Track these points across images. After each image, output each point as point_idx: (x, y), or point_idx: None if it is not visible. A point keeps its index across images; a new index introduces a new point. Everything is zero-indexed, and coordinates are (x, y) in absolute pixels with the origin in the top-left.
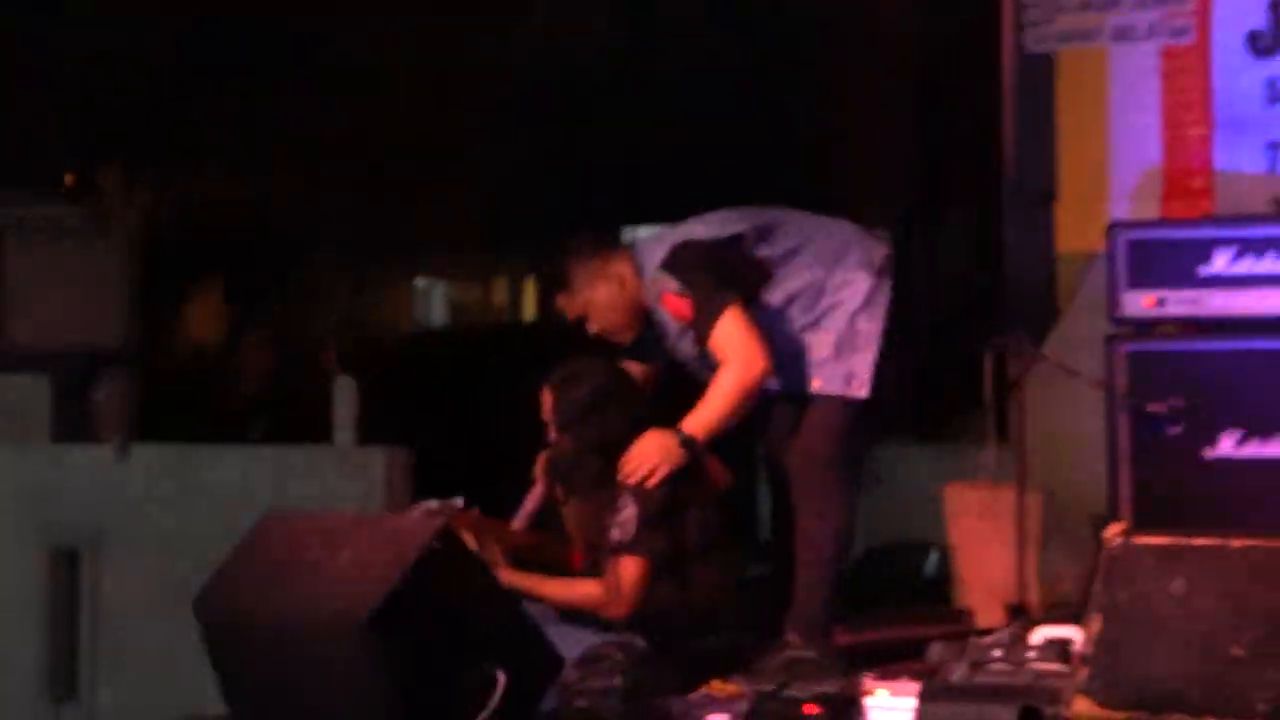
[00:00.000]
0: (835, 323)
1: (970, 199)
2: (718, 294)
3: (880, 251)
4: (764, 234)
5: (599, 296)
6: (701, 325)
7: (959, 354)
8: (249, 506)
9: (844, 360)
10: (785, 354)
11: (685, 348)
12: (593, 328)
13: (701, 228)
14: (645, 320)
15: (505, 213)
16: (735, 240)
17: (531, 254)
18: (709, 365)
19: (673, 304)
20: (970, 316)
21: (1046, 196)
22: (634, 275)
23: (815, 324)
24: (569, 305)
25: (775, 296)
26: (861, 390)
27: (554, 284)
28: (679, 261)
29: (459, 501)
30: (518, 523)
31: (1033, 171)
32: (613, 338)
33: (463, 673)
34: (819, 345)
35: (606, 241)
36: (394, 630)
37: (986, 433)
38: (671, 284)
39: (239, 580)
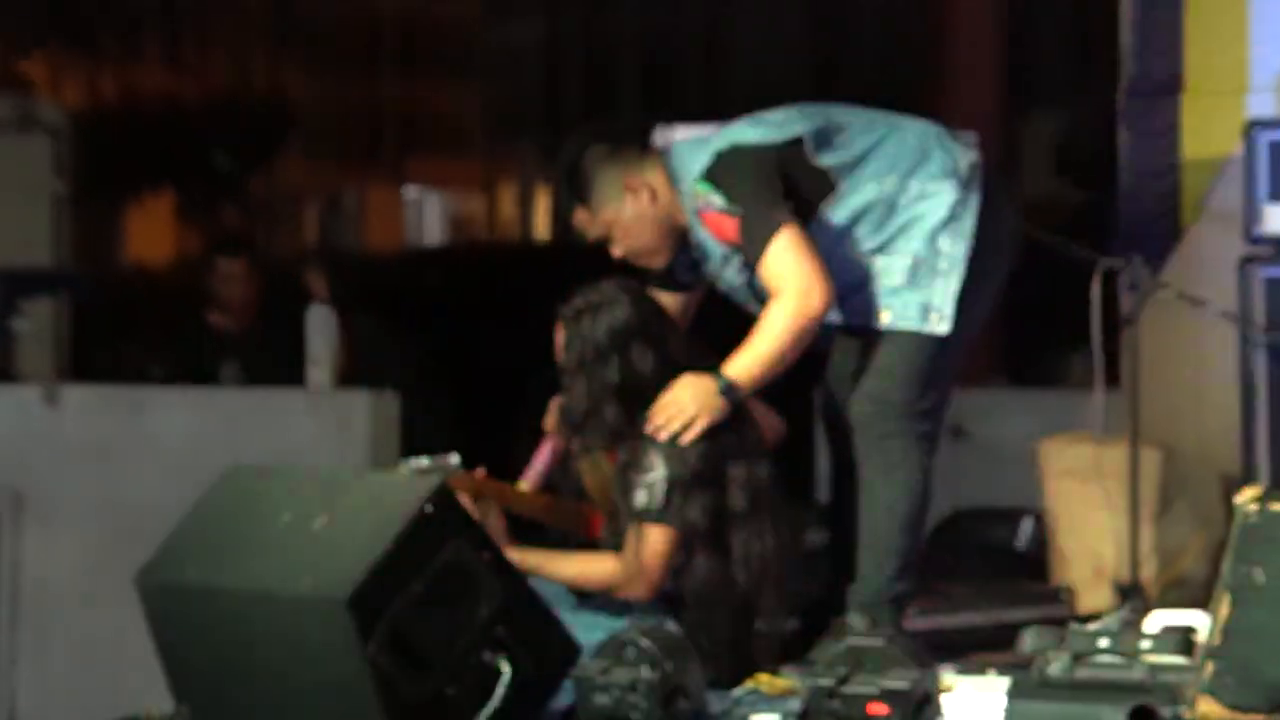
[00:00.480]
0: (911, 244)
1: (1076, 95)
2: (770, 211)
3: (967, 158)
4: (827, 137)
5: (624, 213)
6: (750, 249)
7: (1061, 282)
8: (204, 462)
9: (920, 289)
10: (850, 282)
11: (730, 275)
12: (617, 251)
13: (752, 130)
14: (681, 241)
15: (513, 107)
16: (793, 145)
17: (544, 157)
18: (758, 296)
19: (715, 223)
20: (1075, 237)
21: (1169, 89)
22: (667, 187)
23: (887, 245)
24: (588, 223)
25: (839, 213)
26: (941, 325)
27: (571, 196)
28: (724, 171)
29: (454, 459)
30: (527, 483)
31: (1153, 60)
32: (642, 262)
33: (460, 662)
34: (891, 271)
35: (634, 144)
36: (378, 611)
37: (1092, 377)
38: (714, 199)
39: (192, 550)
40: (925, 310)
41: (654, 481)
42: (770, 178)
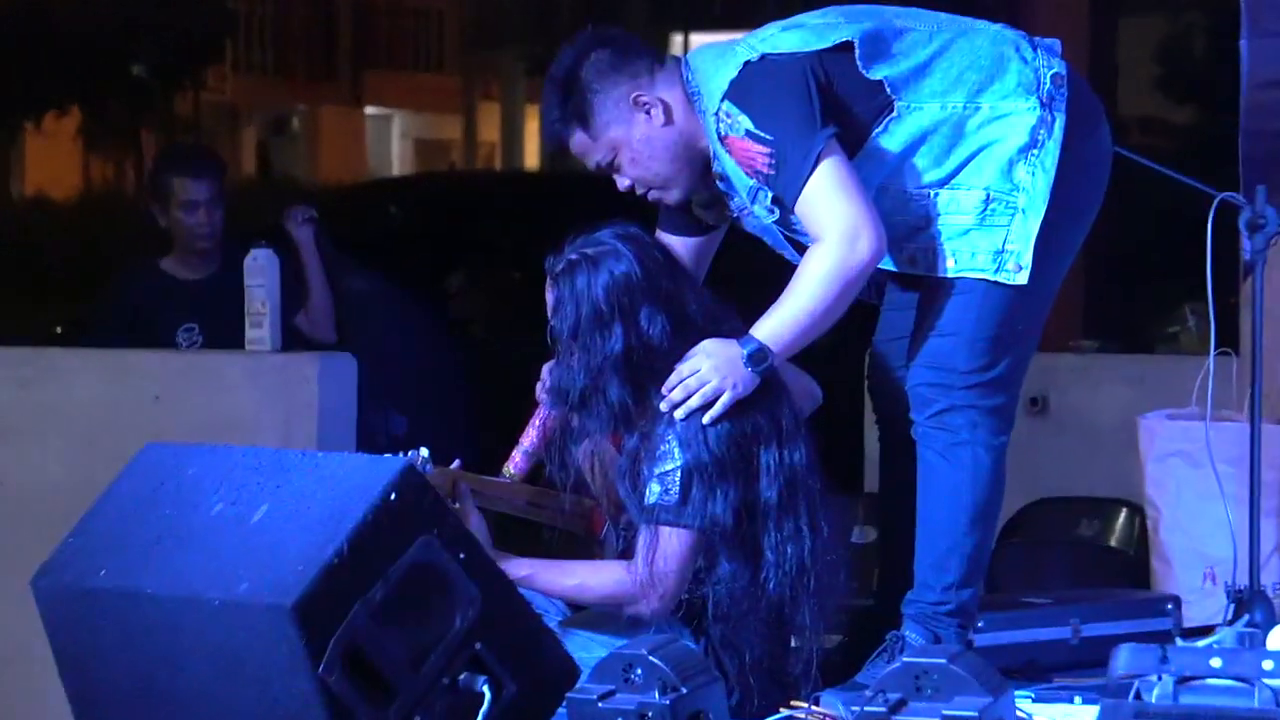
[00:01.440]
0: (982, 176)
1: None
2: (808, 138)
3: (1051, 69)
4: (880, 44)
5: (633, 135)
6: (784, 184)
7: (1164, 221)
8: (118, 439)
9: (993, 230)
10: (908, 222)
11: (759, 213)
12: (624, 181)
13: (786, 35)
14: (701, 170)
15: (494, 9)
16: (837, 53)
17: (532, 69)
18: (794, 239)
19: (742, 151)
20: (1182, 164)
21: None
22: (685, 104)
23: (953, 178)
24: (588, 148)
25: (894, 139)
26: (1019, 275)
27: (568, 115)
28: (752, 87)
29: (423, 453)
30: (514, 464)
31: None
32: (654, 195)
33: (430, 684)
34: (958, 208)
35: (644, 52)
36: (331, 621)
37: (1204, 340)
38: (740, 121)
39: (102, 546)
40: (999, 257)
41: (670, 472)
42: (809, 95)
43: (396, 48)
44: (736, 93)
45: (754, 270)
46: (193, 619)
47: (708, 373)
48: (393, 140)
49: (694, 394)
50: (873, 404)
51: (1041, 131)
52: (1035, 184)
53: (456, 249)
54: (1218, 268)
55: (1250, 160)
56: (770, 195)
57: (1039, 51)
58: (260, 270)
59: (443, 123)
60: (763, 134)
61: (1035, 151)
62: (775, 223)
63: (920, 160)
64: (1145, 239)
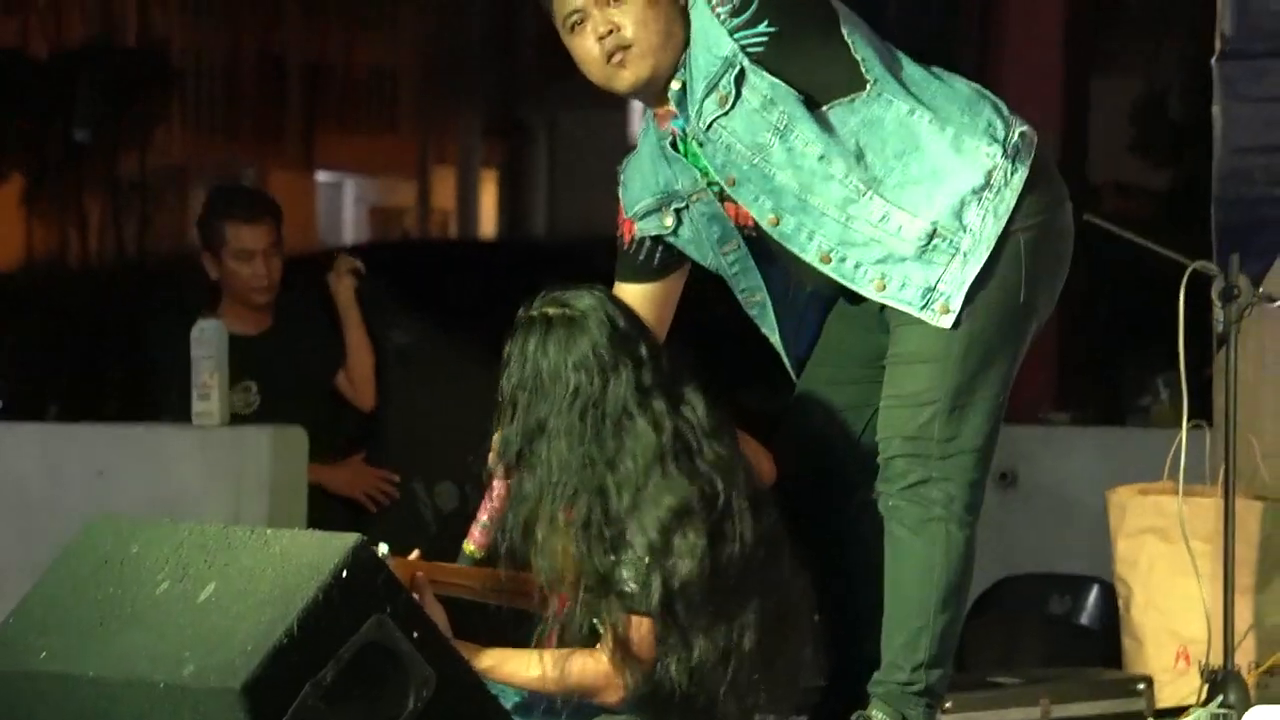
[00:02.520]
0: (931, 205)
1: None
2: None
3: (1020, 128)
4: (861, 33)
5: (657, 13)
6: None
7: (1136, 290)
8: (61, 513)
9: (930, 265)
10: (837, 215)
11: (709, 111)
12: (603, 22)
13: None
14: (665, 79)
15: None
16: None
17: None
18: (748, 239)
19: None
20: (1154, 232)
21: (1276, 50)
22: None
23: (900, 192)
24: (601, 11)
25: (855, 117)
26: (945, 318)
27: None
28: None
29: (383, 549)
30: (473, 538)
31: (1259, 12)
32: (617, 56)
33: None
34: (900, 233)
35: None
36: (280, 703)
37: (1177, 412)
38: None
39: (44, 625)
40: (928, 294)
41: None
42: None
43: (348, 107)
44: None
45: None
46: (137, 703)
47: None
48: (345, 205)
49: None
50: (793, 481)
51: (998, 176)
52: (983, 229)
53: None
54: (1191, 338)
55: (1224, 228)
56: (738, 69)
57: (1014, 115)
58: (207, 342)
59: (397, 186)
60: None
61: (989, 194)
62: (725, 114)
63: (876, 154)
64: (1117, 308)
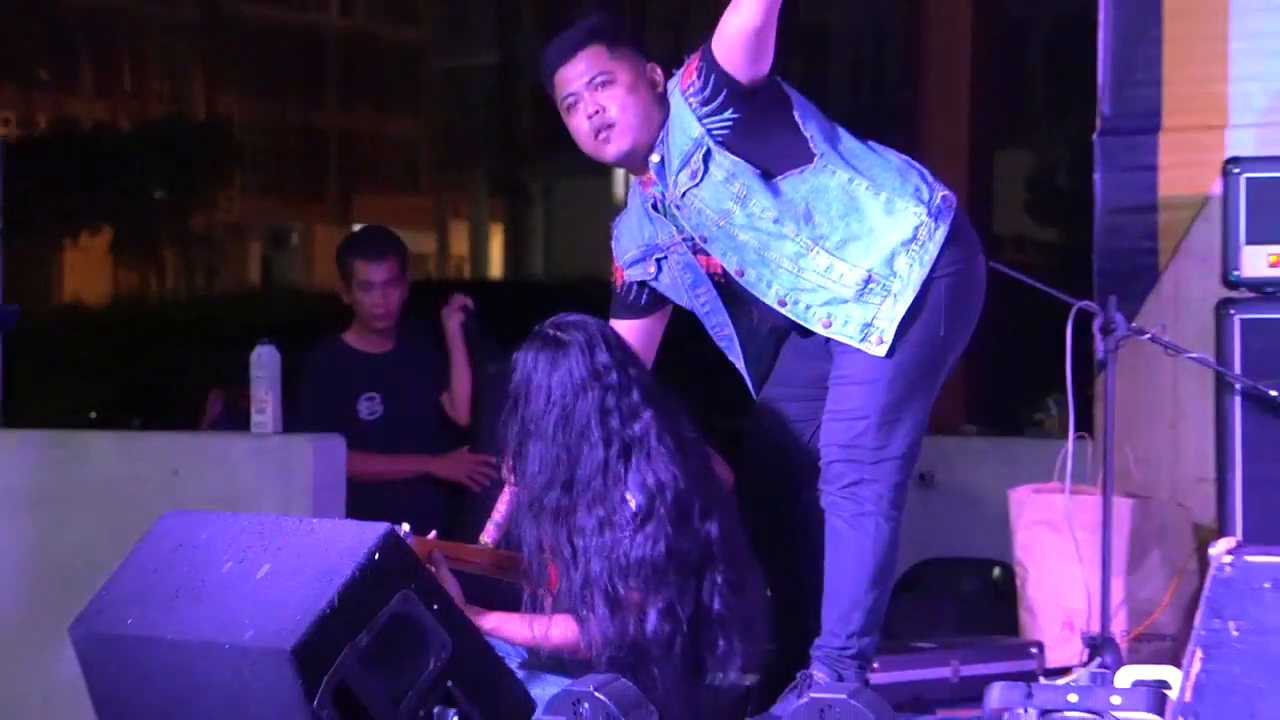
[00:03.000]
0: (868, 258)
1: (1050, 133)
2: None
3: (942, 192)
4: (811, 115)
5: (633, 79)
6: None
7: (1032, 325)
8: (141, 508)
9: (867, 305)
10: (792, 267)
11: (682, 184)
12: (592, 104)
13: None
14: (644, 153)
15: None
16: (783, 97)
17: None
18: (719, 285)
19: (685, 75)
20: (1047, 277)
21: (1147, 127)
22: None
23: (842, 246)
24: (595, 60)
25: (804, 185)
26: (879, 347)
27: (595, 36)
28: (704, 51)
29: (405, 528)
30: (488, 534)
31: (1131, 97)
32: (602, 134)
33: (409, 717)
34: (840, 280)
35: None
36: (324, 663)
37: (1065, 425)
38: (692, 64)
39: (130, 598)
40: (866, 329)
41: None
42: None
43: (379, 172)
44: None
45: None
46: (205, 662)
47: None
48: None
49: None
50: (751, 485)
51: (924, 232)
52: (910, 275)
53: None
54: (1076, 364)
55: (1103, 273)
56: (705, 149)
57: (936, 181)
58: (263, 364)
59: (419, 237)
60: (702, 61)
61: (916, 247)
62: (695, 185)
63: (820, 216)
64: (1016, 339)
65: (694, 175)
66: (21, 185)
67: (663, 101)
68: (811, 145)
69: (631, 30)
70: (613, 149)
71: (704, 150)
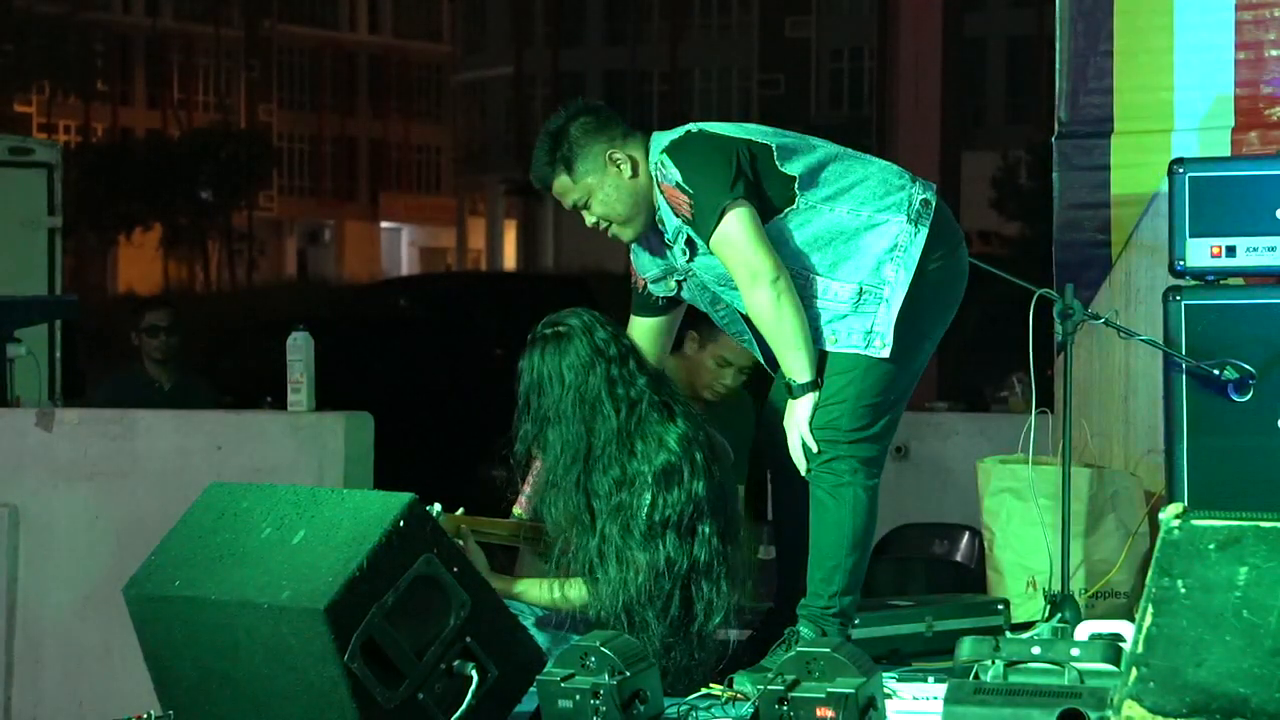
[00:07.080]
0: (858, 272)
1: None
2: (721, 190)
3: (920, 196)
4: (792, 151)
5: (605, 182)
6: (699, 225)
7: (999, 311)
8: (189, 480)
9: (864, 314)
10: (799, 297)
11: (676, 256)
12: (589, 218)
13: (726, 125)
14: (650, 218)
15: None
16: (762, 148)
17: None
18: (706, 285)
19: (671, 196)
20: (1012, 268)
21: (1100, 131)
22: (645, 162)
23: (835, 269)
24: (568, 189)
25: (793, 225)
26: (883, 350)
27: (554, 162)
28: (688, 148)
29: (436, 508)
30: (520, 505)
31: (1085, 104)
32: (613, 231)
33: (431, 669)
34: (838, 297)
35: (620, 120)
36: (354, 621)
37: (1028, 402)
38: (672, 172)
39: (178, 561)
40: (868, 336)
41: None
42: (729, 163)
43: (405, 174)
44: (674, 151)
45: None
46: (246, 619)
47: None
48: (402, 247)
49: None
50: (767, 451)
51: (904, 238)
52: (898, 279)
53: (451, 333)
54: (1038, 346)
55: (1061, 264)
56: (686, 235)
57: (916, 183)
58: (298, 349)
59: (441, 233)
60: (686, 187)
61: (899, 254)
62: (687, 262)
63: (810, 247)
64: (984, 324)
65: (684, 253)
66: (81, 188)
67: (635, 170)
68: (795, 186)
69: (586, 117)
70: (627, 237)
71: (685, 235)
